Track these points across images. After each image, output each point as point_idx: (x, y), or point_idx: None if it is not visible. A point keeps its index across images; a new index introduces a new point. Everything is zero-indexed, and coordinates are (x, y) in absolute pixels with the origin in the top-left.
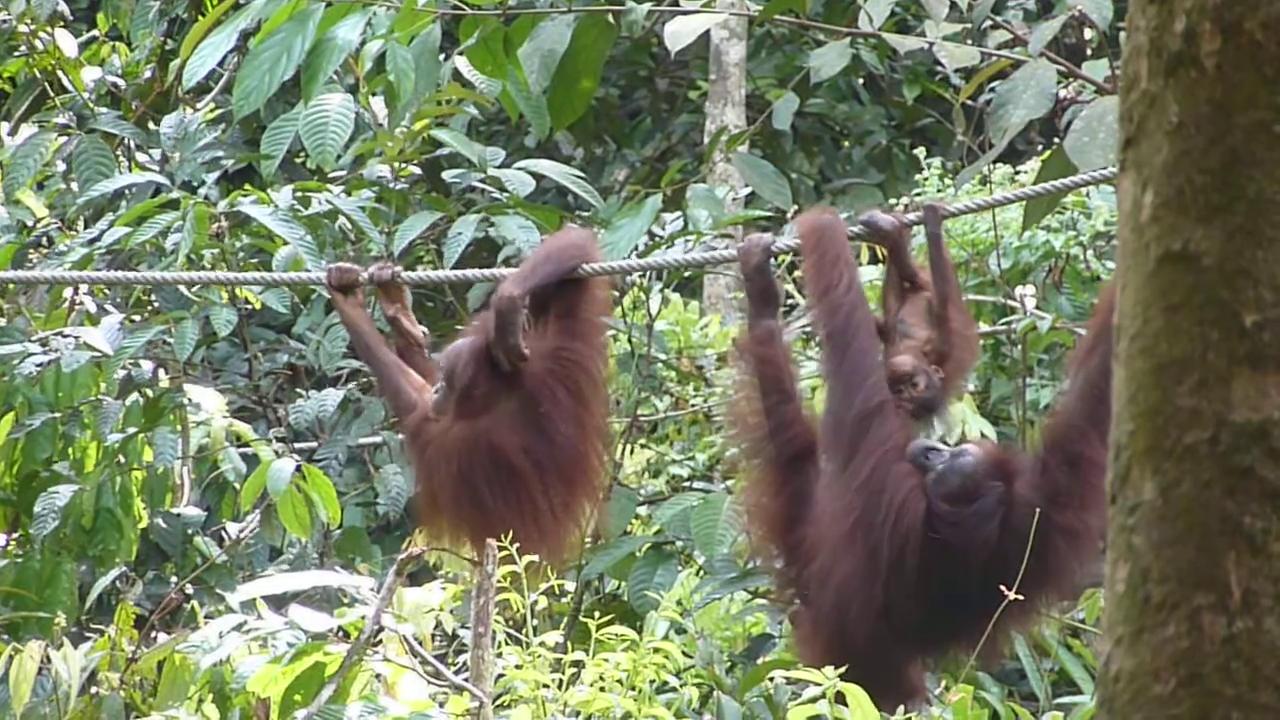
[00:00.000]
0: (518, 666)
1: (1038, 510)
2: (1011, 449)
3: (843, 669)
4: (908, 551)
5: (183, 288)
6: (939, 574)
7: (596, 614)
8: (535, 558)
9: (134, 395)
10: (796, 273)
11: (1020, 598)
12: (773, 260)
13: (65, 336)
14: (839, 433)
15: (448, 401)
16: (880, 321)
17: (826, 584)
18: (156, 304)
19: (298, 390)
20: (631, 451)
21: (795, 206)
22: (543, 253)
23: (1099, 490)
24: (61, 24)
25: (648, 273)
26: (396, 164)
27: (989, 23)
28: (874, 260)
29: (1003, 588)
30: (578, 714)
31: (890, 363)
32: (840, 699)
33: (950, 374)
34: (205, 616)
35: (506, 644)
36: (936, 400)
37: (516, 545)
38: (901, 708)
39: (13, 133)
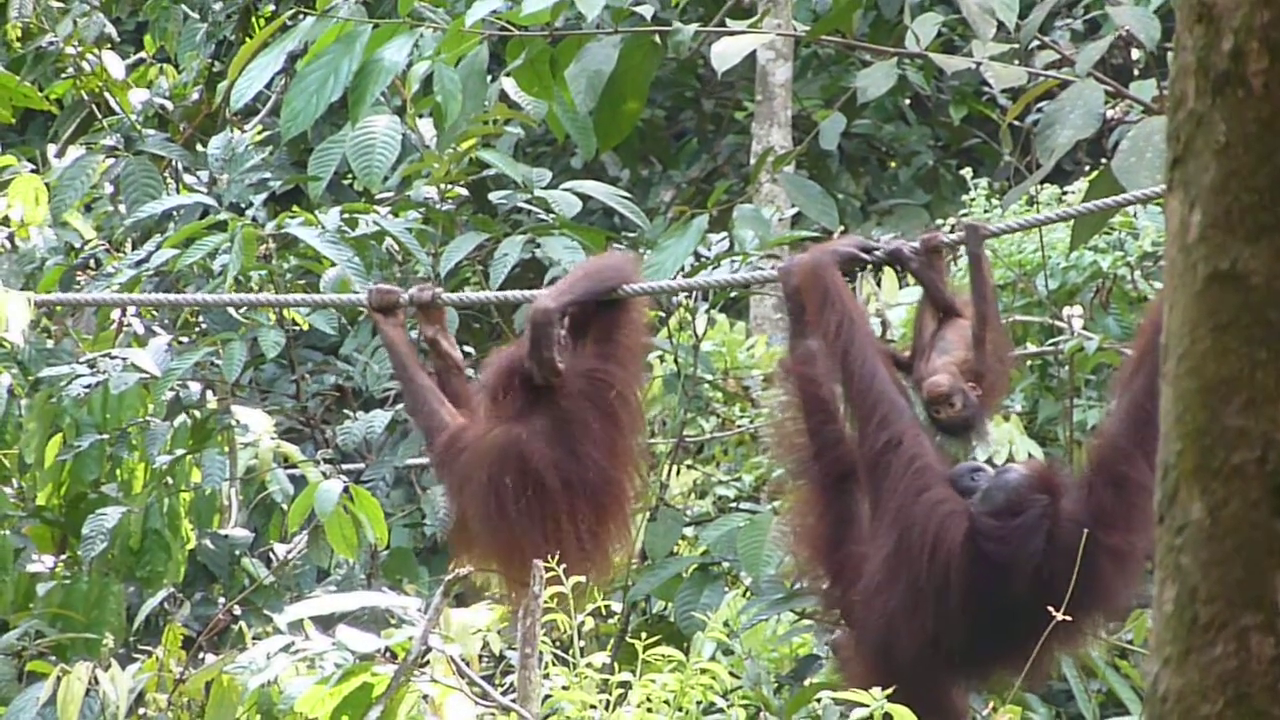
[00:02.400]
0: (565, 687)
1: (1084, 531)
2: (1058, 467)
3: (889, 690)
4: (951, 576)
5: (230, 309)
6: (985, 594)
7: (643, 635)
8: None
9: (182, 417)
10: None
11: (1066, 618)
12: None
13: (113, 358)
14: (864, 470)
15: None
16: (905, 349)
17: (871, 612)
18: (204, 325)
19: (345, 411)
20: (678, 472)
21: (841, 227)
22: (581, 270)
23: (1144, 512)
24: (109, 46)
25: (694, 293)
26: (443, 185)
27: (1036, 43)
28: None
29: (1049, 609)
30: None
31: (927, 383)
32: None
33: (985, 394)
34: (253, 637)
35: (553, 665)
36: (974, 418)
37: (548, 565)
38: None
39: (60, 154)
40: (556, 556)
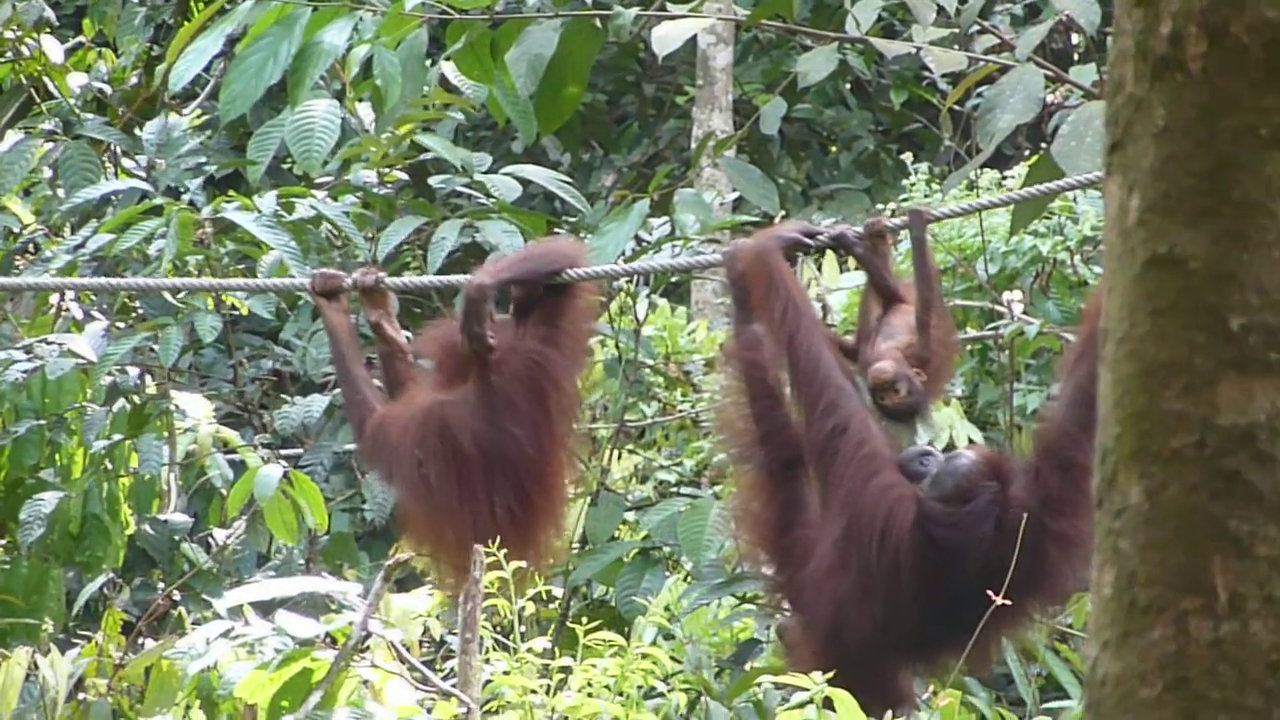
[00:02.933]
0: (505, 672)
1: (1031, 516)
2: (1005, 453)
3: (830, 674)
4: (901, 560)
5: (168, 294)
6: (934, 580)
7: (584, 620)
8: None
9: (120, 402)
10: None
11: (1013, 603)
12: None
13: (51, 343)
14: (813, 456)
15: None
16: (848, 334)
17: (821, 597)
18: (141, 311)
19: (283, 396)
20: (619, 457)
21: (782, 212)
22: (524, 252)
23: (1091, 497)
24: (48, 30)
25: (635, 278)
26: (382, 169)
27: (976, 27)
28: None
29: (995, 594)
30: (565, 719)
31: (871, 370)
32: (828, 704)
33: (930, 379)
34: (192, 623)
35: (494, 650)
36: (919, 405)
37: (487, 550)
38: (890, 714)
39: None
40: (475, 529)
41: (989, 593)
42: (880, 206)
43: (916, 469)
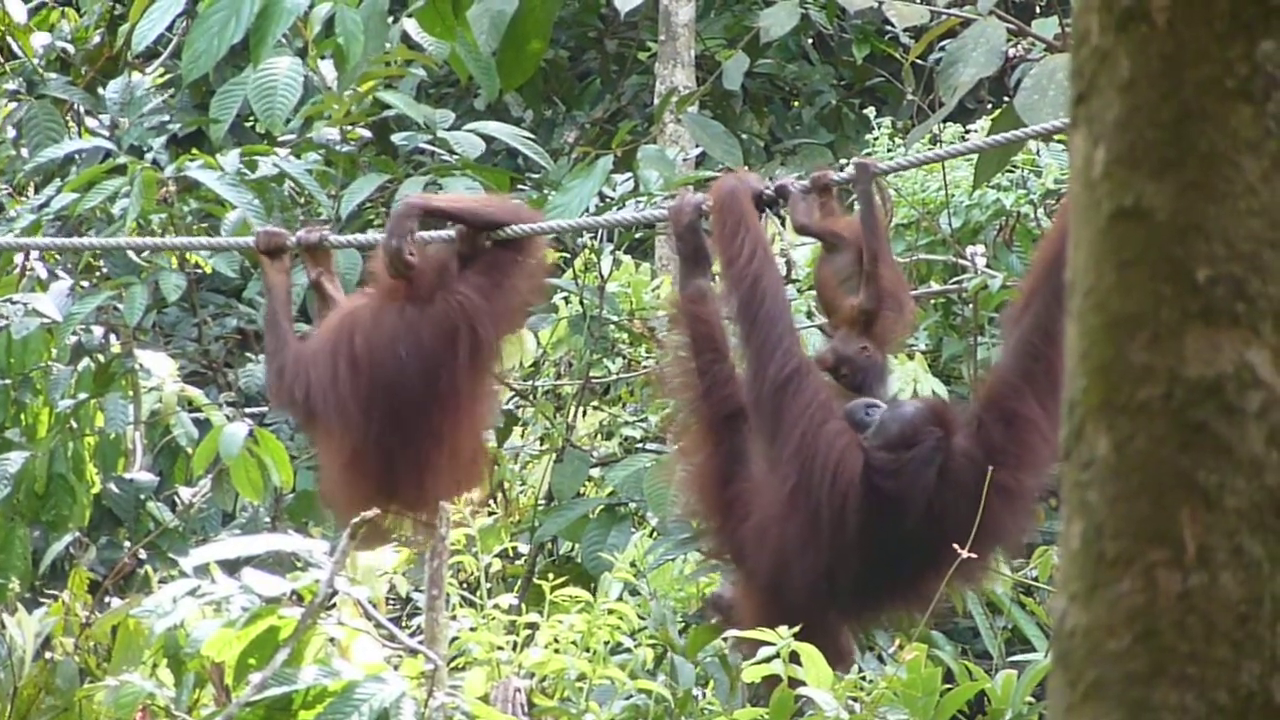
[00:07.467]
0: (472, 629)
1: (976, 467)
2: (949, 404)
3: (795, 629)
4: (848, 509)
5: (132, 253)
6: (877, 529)
7: (550, 576)
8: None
9: (85, 361)
10: None
11: (959, 553)
12: (704, 219)
13: (15, 303)
14: (760, 403)
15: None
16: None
17: (763, 548)
18: (106, 270)
19: (248, 355)
20: (584, 414)
21: (745, 167)
22: (470, 196)
23: (1033, 448)
24: None
25: (599, 235)
26: (345, 126)
27: None
28: None
29: (939, 544)
30: (532, 675)
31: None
32: (794, 659)
33: (884, 332)
34: (159, 581)
35: (460, 607)
36: (869, 377)
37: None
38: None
39: None
40: (372, 448)
41: (933, 543)
42: (843, 161)
43: (862, 418)
